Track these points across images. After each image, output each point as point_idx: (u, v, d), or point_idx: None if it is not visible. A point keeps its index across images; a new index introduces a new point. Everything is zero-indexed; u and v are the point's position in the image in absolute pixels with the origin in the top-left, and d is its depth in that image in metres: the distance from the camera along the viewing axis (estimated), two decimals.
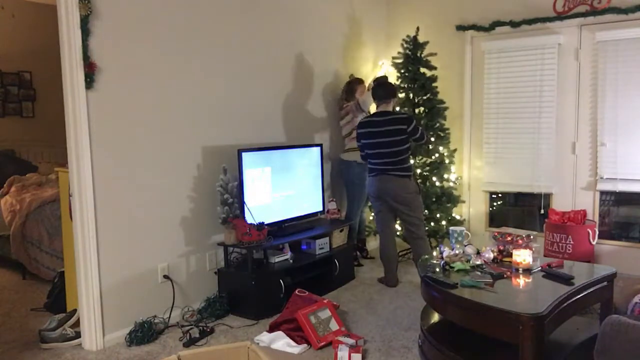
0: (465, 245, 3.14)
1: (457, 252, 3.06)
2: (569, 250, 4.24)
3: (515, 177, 4.86)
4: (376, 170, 4.09)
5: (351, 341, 3.05)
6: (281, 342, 3.14)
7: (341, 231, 4.40)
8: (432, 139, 4.78)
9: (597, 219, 4.57)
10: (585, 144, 4.60)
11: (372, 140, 4.06)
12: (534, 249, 2.93)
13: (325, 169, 4.63)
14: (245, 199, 3.76)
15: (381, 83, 4.15)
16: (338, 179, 4.96)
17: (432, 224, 4.79)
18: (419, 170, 4.78)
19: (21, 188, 5.11)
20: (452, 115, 4.99)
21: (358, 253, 4.91)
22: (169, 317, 3.51)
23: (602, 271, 2.87)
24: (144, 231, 3.41)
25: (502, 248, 3.11)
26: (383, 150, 4.02)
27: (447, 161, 4.82)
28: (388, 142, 3.99)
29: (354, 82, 4.76)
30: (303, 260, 4.00)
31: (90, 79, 3.06)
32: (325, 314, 3.31)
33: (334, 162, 4.94)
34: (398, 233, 4.86)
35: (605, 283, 2.79)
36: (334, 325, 3.27)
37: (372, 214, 5.03)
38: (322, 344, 3.12)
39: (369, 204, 5.02)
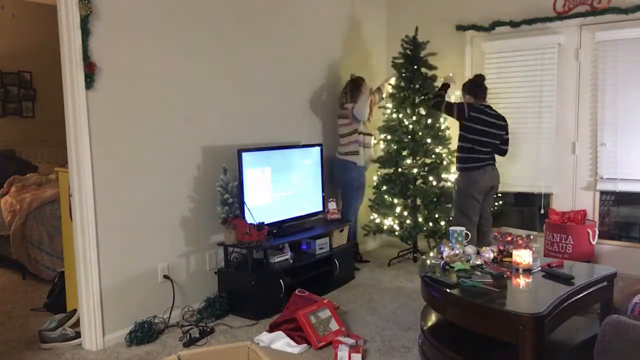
0: (465, 245, 3.14)
1: (457, 252, 3.05)
2: (569, 250, 4.24)
3: (515, 177, 4.86)
4: (484, 160, 4.21)
5: (351, 341, 3.06)
6: (281, 342, 3.14)
7: (341, 231, 4.41)
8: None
9: (597, 219, 4.57)
10: (585, 144, 4.60)
11: (485, 128, 4.17)
12: (534, 249, 2.93)
13: (325, 169, 4.62)
14: (245, 199, 3.76)
15: (480, 83, 4.29)
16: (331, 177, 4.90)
17: (431, 224, 4.79)
18: (415, 170, 4.77)
19: (21, 188, 5.11)
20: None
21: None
22: (169, 317, 3.51)
23: (602, 271, 2.87)
24: (144, 231, 3.41)
25: (502, 248, 3.11)
26: (490, 141, 4.21)
27: (445, 161, 4.81)
28: (494, 134, 4.21)
29: (360, 79, 4.69)
30: (303, 260, 4.00)
31: (90, 79, 3.06)
32: (325, 314, 3.31)
33: (327, 159, 4.88)
34: (396, 232, 4.86)
35: (605, 283, 2.79)
36: (334, 325, 3.27)
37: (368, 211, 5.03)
38: (322, 344, 3.12)
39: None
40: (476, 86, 4.30)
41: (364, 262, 4.97)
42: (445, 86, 4.58)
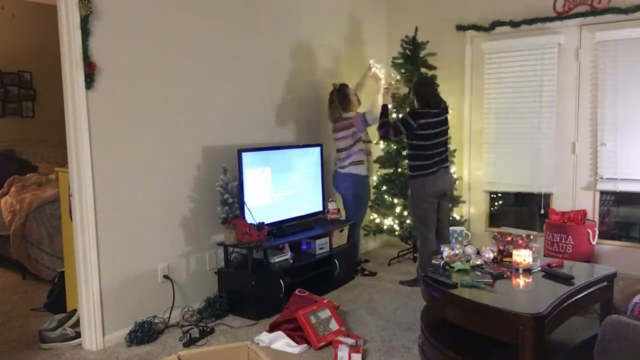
0: (465, 245, 3.14)
1: (457, 252, 3.06)
2: (569, 250, 4.24)
3: (516, 177, 4.86)
4: (435, 164, 3.90)
5: (351, 341, 3.06)
6: (281, 342, 3.14)
7: (341, 231, 4.40)
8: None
9: (597, 219, 4.57)
10: (585, 144, 4.60)
11: (432, 130, 3.86)
12: (534, 249, 2.93)
13: (325, 169, 4.62)
14: (245, 199, 3.76)
15: (431, 83, 4.11)
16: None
17: None
18: None
19: (21, 188, 5.11)
20: (452, 115, 4.97)
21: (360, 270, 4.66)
22: (169, 317, 3.51)
23: (602, 271, 2.87)
24: (144, 231, 3.41)
25: (502, 248, 3.11)
26: (439, 141, 3.91)
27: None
28: (444, 131, 3.94)
29: (344, 87, 4.52)
30: (303, 260, 4.00)
31: (90, 79, 3.06)
32: (325, 314, 3.31)
33: (327, 158, 4.85)
34: (396, 232, 4.86)
35: (605, 283, 2.79)
36: (334, 325, 3.27)
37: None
38: (322, 344, 3.12)
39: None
40: (427, 94, 3.97)
41: (364, 262, 4.96)
42: (385, 108, 4.13)
